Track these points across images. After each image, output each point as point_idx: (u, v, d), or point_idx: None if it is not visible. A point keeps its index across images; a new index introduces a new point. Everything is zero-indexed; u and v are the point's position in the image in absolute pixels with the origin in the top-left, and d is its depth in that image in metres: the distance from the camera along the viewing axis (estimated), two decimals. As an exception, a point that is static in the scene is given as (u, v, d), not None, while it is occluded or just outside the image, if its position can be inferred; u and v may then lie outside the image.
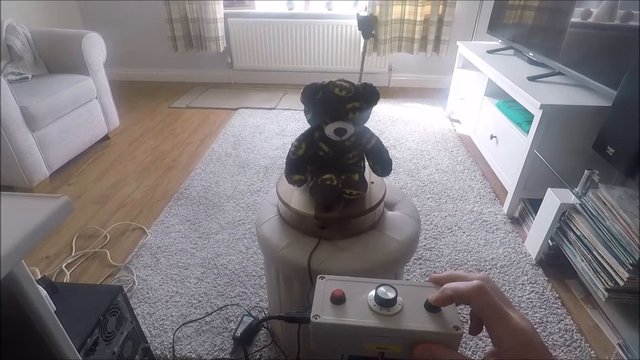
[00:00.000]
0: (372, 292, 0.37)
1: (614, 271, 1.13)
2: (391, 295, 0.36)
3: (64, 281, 1.39)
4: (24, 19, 2.32)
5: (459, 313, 0.36)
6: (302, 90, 0.85)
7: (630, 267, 1.08)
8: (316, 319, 0.36)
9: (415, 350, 0.35)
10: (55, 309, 0.63)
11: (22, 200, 0.48)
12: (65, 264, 1.46)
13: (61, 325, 0.54)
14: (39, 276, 1.37)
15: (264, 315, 1.26)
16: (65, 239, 1.59)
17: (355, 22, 3.08)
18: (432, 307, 0.36)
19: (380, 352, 0.36)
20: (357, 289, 0.39)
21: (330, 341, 0.37)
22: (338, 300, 0.37)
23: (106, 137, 2.42)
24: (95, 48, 2.23)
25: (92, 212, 1.77)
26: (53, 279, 1.36)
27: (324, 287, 0.39)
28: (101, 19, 3.26)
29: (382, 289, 0.37)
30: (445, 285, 0.36)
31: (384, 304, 0.36)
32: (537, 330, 1.21)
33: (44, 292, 0.61)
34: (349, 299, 0.38)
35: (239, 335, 1.15)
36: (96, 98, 2.26)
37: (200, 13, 3.04)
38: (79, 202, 1.84)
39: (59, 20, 3.04)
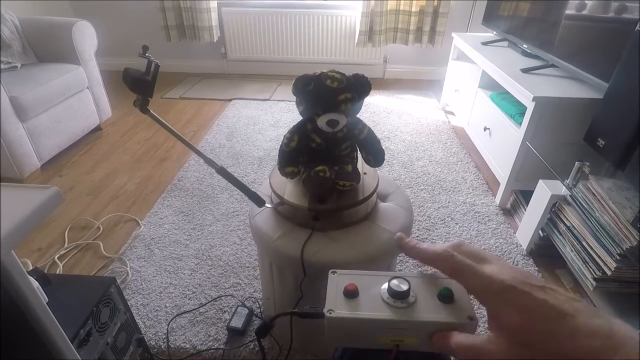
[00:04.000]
0: (385, 285, 0.38)
1: (602, 261, 1.15)
2: (404, 287, 0.36)
3: (57, 273, 1.38)
4: (11, 7, 2.27)
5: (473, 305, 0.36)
6: (293, 82, 0.84)
7: (618, 257, 1.10)
8: (330, 313, 0.36)
9: (434, 338, 0.35)
10: (47, 300, 0.63)
11: (12, 190, 0.48)
12: (57, 255, 1.45)
13: (54, 317, 0.54)
14: (31, 268, 1.36)
15: (258, 305, 1.27)
16: (57, 231, 1.58)
17: (350, 13, 3.05)
18: (446, 298, 0.36)
19: (396, 344, 0.36)
20: (369, 282, 0.39)
21: (344, 335, 0.38)
22: (351, 294, 0.38)
23: (98, 128, 2.40)
24: (86, 37, 2.19)
25: (84, 204, 1.76)
26: (46, 271, 1.36)
27: (337, 281, 0.39)
28: (92, 7, 3.20)
29: (394, 281, 0.37)
30: (419, 244, 0.37)
31: (398, 296, 0.36)
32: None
33: (35, 284, 0.61)
34: (362, 293, 0.38)
35: (240, 327, 1.15)
36: (87, 88, 2.23)
37: (194, 2, 3.00)
38: (71, 194, 1.83)
39: (48, 9, 2.98)
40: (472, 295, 0.35)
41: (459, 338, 0.33)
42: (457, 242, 0.37)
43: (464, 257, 0.34)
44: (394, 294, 0.36)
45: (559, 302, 0.29)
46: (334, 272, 0.41)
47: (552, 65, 1.69)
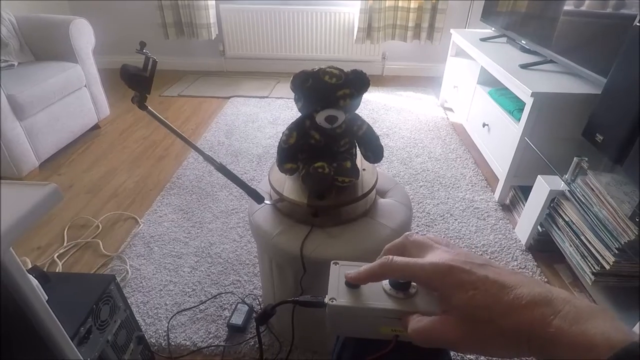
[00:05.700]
0: None
1: (601, 255, 1.16)
2: None
3: (56, 271, 1.38)
4: (8, 5, 2.25)
5: None
6: (291, 78, 0.84)
7: (616, 252, 1.10)
8: (332, 302, 0.37)
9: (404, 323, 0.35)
10: (47, 298, 0.63)
11: (9, 187, 0.47)
12: (57, 254, 1.45)
13: (53, 314, 0.54)
14: (30, 266, 1.36)
15: (258, 302, 1.27)
16: (56, 229, 1.58)
17: (348, 10, 3.04)
18: None
19: (395, 334, 0.37)
20: None
21: (345, 324, 0.38)
22: (353, 284, 0.38)
23: (96, 127, 2.39)
24: (83, 34, 2.18)
25: (83, 202, 1.76)
26: (45, 269, 1.36)
27: (338, 272, 0.40)
28: (89, 5, 3.18)
29: None
30: (363, 267, 0.38)
31: (399, 287, 0.37)
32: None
33: (35, 282, 0.61)
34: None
35: (240, 324, 1.16)
36: (85, 86, 2.22)
37: (192, 0, 2.98)
38: (70, 192, 1.83)
39: (45, 7, 2.96)
40: (425, 287, 0.36)
41: (411, 324, 0.34)
42: (403, 236, 0.38)
43: (402, 256, 0.35)
44: (396, 284, 0.37)
45: (499, 277, 0.30)
46: (335, 263, 0.41)
47: (551, 61, 1.69)
